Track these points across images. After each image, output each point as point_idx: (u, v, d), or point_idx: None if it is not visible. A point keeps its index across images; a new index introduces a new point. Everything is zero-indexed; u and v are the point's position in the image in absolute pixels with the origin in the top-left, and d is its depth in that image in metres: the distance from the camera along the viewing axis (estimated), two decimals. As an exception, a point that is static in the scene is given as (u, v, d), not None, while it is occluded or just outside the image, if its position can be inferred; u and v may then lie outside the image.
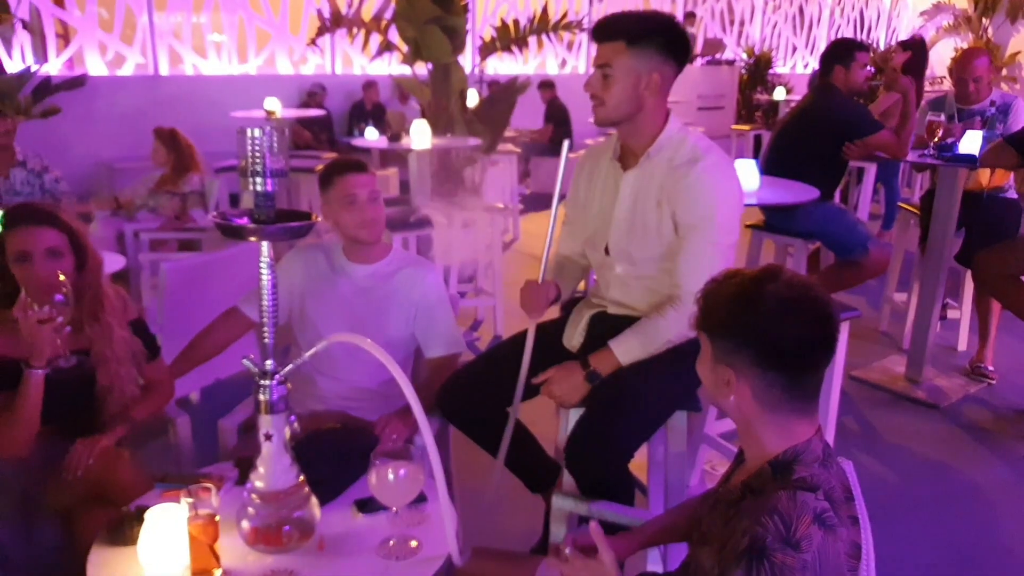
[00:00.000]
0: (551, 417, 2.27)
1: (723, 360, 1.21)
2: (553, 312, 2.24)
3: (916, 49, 5.63)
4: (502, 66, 9.31)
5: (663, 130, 1.96)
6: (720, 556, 1.15)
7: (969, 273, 3.88)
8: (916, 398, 3.67)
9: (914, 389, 3.73)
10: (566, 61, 10.68)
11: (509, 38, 5.79)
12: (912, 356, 3.82)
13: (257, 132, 1.38)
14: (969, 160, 3.41)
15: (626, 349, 1.94)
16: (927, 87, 10.64)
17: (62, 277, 1.80)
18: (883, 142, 3.71)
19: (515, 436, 2.24)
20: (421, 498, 1.62)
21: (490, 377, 2.14)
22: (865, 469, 3.03)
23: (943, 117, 3.64)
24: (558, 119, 8.81)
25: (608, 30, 1.93)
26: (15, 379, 1.83)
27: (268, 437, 1.46)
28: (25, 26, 6.91)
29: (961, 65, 3.94)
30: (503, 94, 5.98)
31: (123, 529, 1.53)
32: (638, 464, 2.01)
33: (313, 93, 8.13)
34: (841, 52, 3.83)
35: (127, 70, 7.66)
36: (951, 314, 4.45)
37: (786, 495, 1.12)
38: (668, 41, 1.92)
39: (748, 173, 3.18)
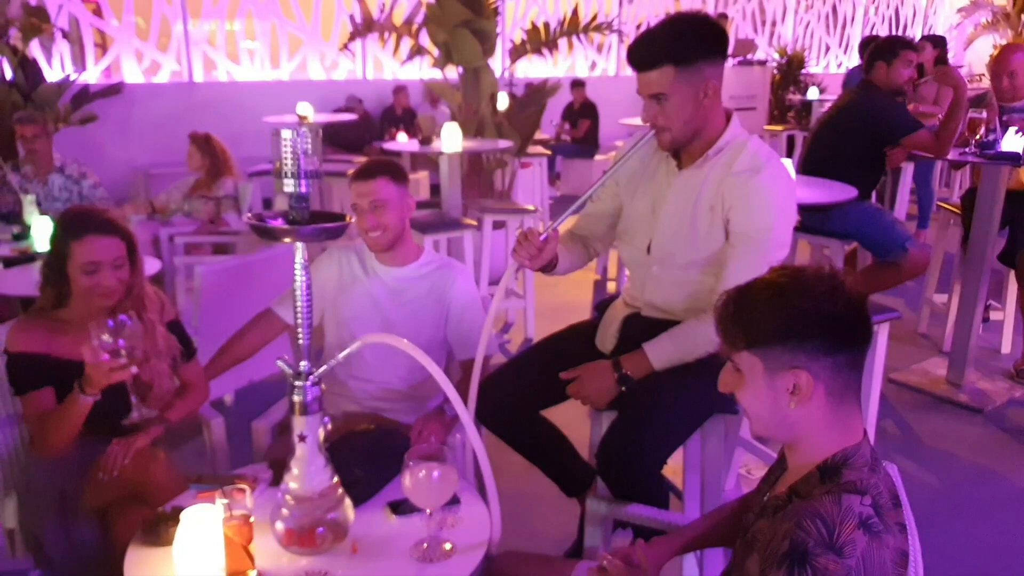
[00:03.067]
0: (585, 420, 2.25)
1: (785, 366, 1.15)
2: (572, 300, 2.20)
3: (941, 45, 5.57)
4: (532, 69, 9.31)
5: (724, 132, 1.90)
6: (763, 560, 1.12)
7: (1013, 274, 3.78)
8: (958, 402, 3.58)
9: (956, 392, 3.64)
10: (596, 64, 10.65)
11: (539, 41, 5.79)
12: (954, 358, 3.73)
13: (291, 134, 1.38)
14: (1013, 158, 3.33)
15: (661, 354, 1.89)
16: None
17: (123, 318, 1.72)
18: (922, 142, 3.63)
19: (549, 439, 2.23)
20: (454, 500, 1.62)
21: (522, 380, 2.13)
22: (906, 474, 2.94)
23: (984, 114, 3.56)
24: (592, 118, 8.84)
25: (650, 57, 1.81)
26: (62, 378, 1.86)
27: (302, 438, 1.46)
28: (64, 36, 7.05)
29: (997, 61, 3.85)
30: (533, 97, 5.97)
31: (159, 529, 1.54)
32: (673, 468, 1.98)
33: (350, 108, 8.17)
34: (885, 48, 3.75)
35: (162, 77, 7.78)
36: (994, 316, 4.34)
37: (830, 499, 1.09)
38: (713, 43, 1.85)
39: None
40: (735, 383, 1.22)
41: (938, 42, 5.73)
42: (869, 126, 3.67)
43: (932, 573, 1.21)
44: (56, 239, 1.95)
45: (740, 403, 1.23)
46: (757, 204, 1.82)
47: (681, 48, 1.80)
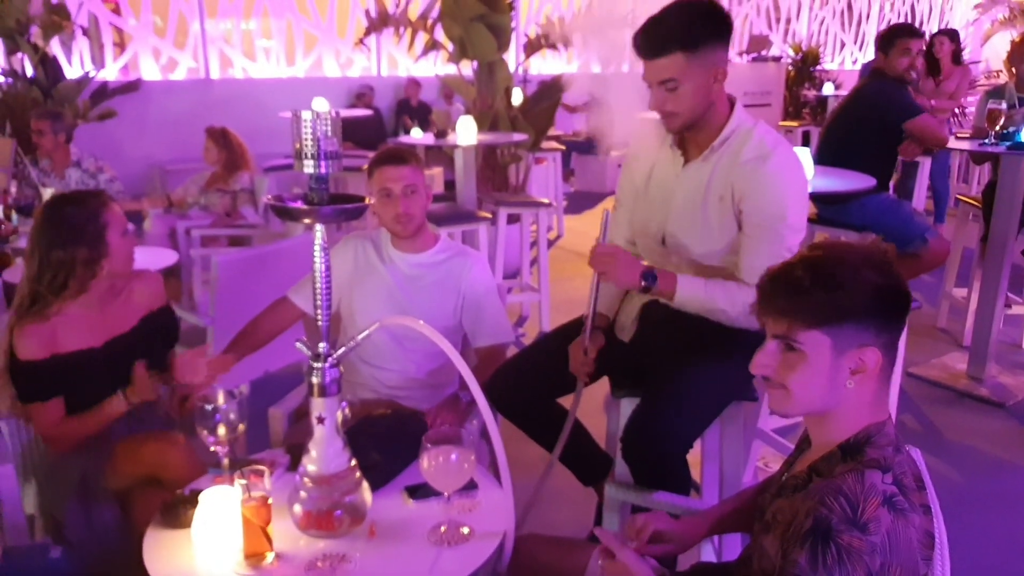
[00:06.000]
0: (601, 409, 2.24)
1: (855, 344, 1.12)
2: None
3: (956, 39, 5.61)
4: (545, 65, 9.30)
5: (728, 120, 1.88)
6: (783, 540, 1.10)
7: (1034, 267, 3.73)
8: (979, 396, 3.54)
9: (977, 387, 3.60)
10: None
11: (554, 35, 5.78)
12: (974, 352, 3.69)
13: (311, 115, 1.38)
14: (1035, 148, 3.29)
15: (689, 290, 1.84)
16: (983, 79, 10.39)
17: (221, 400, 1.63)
18: (922, 127, 3.66)
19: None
20: (472, 485, 1.61)
21: (538, 368, 2.12)
22: (928, 468, 2.91)
23: (1004, 105, 3.53)
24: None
25: (660, 43, 1.78)
26: (69, 374, 1.90)
27: (321, 420, 1.46)
28: (84, 33, 7.12)
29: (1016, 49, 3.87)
30: (547, 92, 5.96)
31: (178, 512, 1.54)
32: (690, 461, 1.96)
33: (361, 94, 8.20)
34: (884, 37, 3.84)
35: (179, 74, 7.83)
36: (1014, 310, 4.29)
37: (852, 476, 1.08)
38: (720, 26, 1.83)
39: (803, 162, 3.10)
40: (786, 364, 1.15)
41: (953, 36, 5.72)
42: (875, 111, 3.73)
43: (954, 566, 1.20)
44: (89, 214, 1.93)
45: (786, 383, 1.16)
46: (768, 192, 1.80)
47: (690, 33, 1.78)
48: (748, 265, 1.82)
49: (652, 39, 1.80)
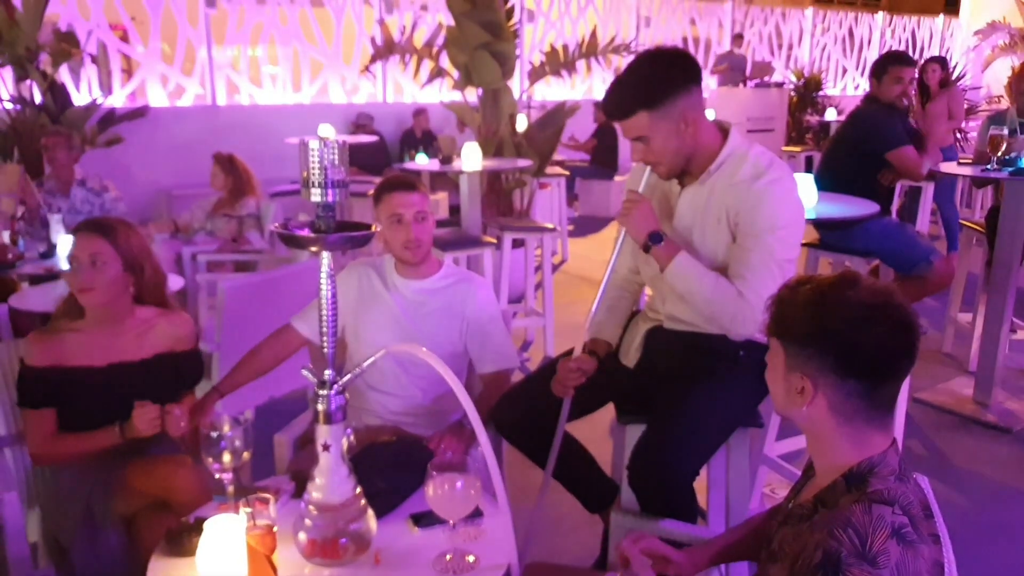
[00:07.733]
0: (607, 436, 2.23)
1: (798, 368, 1.16)
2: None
3: (945, 65, 5.68)
4: (550, 92, 9.37)
5: (723, 146, 1.91)
6: (792, 572, 1.10)
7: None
8: (986, 421, 3.53)
9: (984, 412, 3.58)
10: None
11: (558, 62, 5.84)
12: (980, 378, 3.68)
13: (318, 144, 1.39)
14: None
15: (685, 264, 1.85)
16: (984, 105, 10.47)
17: (227, 427, 1.58)
18: (901, 158, 3.69)
19: (572, 455, 2.21)
20: (477, 513, 1.60)
21: (543, 394, 2.11)
22: (934, 494, 2.90)
23: (1006, 131, 3.55)
24: (604, 138, 8.79)
25: (622, 107, 1.86)
26: (66, 387, 1.93)
27: (326, 447, 1.45)
28: (93, 60, 7.19)
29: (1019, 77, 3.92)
30: (552, 118, 6.01)
31: (182, 539, 1.53)
32: (696, 487, 1.96)
33: (361, 124, 8.25)
34: (876, 65, 3.92)
35: (187, 101, 7.90)
36: (1019, 335, 4.27)
37: (860, 508, 1.07)
38: (681, 77, 1.86)
39: (806, 188, 3.12)
40: (769, 358, 1.24)
41: (943, 63, 5.83)
42: (863, 136, 3.80)
43: (963, 592, 1.19)
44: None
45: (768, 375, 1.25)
46: (760, 205, 1.83)
47: (649, 92, 1.83)
48: (735, 272, 1.84)
49: (615, 103, 1.88)
